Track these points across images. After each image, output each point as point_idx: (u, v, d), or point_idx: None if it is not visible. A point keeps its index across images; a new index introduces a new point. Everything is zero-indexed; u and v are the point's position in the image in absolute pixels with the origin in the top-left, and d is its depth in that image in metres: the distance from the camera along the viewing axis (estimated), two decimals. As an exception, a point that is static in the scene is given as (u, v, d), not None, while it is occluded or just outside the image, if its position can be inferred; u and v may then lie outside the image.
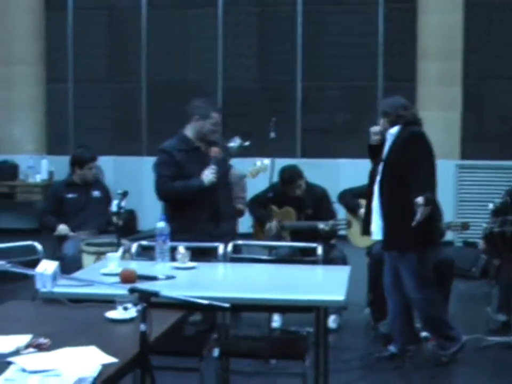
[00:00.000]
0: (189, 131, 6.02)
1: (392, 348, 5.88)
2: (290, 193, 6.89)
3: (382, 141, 5.75)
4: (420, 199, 5.28)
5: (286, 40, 11.68)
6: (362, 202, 6.62)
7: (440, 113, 10.75)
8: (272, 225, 6.86)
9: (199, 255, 5.38)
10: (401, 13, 11.42)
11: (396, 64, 11.44)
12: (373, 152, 5.83)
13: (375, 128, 5.79)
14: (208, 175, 5.79)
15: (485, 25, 11.12)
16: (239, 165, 6.99)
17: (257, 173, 6.81)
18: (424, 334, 6.11)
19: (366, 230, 5.88)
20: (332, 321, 6.60)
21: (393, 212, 5.59)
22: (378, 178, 5.69)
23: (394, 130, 5.66)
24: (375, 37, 11.40)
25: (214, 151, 5.80)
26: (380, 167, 5.69)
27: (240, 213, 7.00)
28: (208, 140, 5.99)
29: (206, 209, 5.88)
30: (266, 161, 6.88)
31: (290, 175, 6.89)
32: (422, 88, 11.01)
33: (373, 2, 11.34)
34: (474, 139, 11.16)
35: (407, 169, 5.50)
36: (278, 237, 6.86)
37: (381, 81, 11.40)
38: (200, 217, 5.87)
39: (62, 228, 6.84)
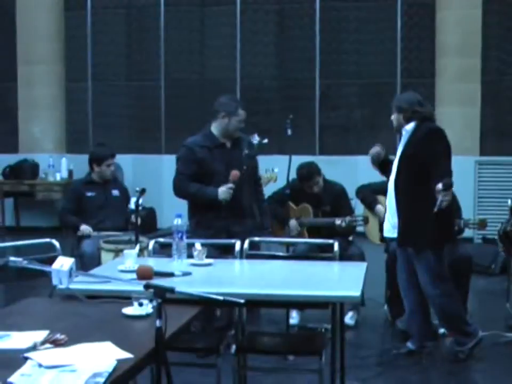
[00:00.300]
0: (215, 128, 6.01)
1: (410, 345, 5.87)
2: (307, 190, 6.89)
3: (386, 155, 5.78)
4: (438, 185, 5.26)
5: (304, 38, 11.69)
6: (380, 198, 6.62)
7: (459, 109, 10.74)
8: (292, 225, 6.86)
9: (217, 252, 5.41)
10: (420, 9, 11.40)
11: (414, 60, 11.43)
12: (381, 167, 5.88)
13: (373, 151, 5.82)
14: (225, 192, 5.79)
15: (504, 21, 11.08)
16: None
17: (268, 181, 6.82)
18: (441, 330, 6.11)
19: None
20: (349, 318, 6.61)
21: (410, 208, 5.58)
22: (393, 175, 5.69)
23: (410, 126, 5.64)
24: (393, 33, 11.39)
25: (234, 174, 5.78)
26: (395, 164, 5.69)
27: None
28: (234, 136, 6.00)
29: (227, 207, 5.88)
30: (276, 169, 6.89)
31: (308, 172, 6.88)
32: (441, 84, 10.99)
33: (391, -2, 11.36)
34: (494, 135, 11.13)
35: (426, 165, 5.48)
36: (298, 236, 6.86)
37: (400, 77, 11.39)
38: (220, 214, 5.88)
39: (85, 228, 6.88)
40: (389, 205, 5.76)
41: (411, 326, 5.92)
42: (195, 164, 5.95)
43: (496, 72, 11.15)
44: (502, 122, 11.23)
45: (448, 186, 5.31)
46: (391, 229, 5.74)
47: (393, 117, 5.73)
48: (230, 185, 5.78)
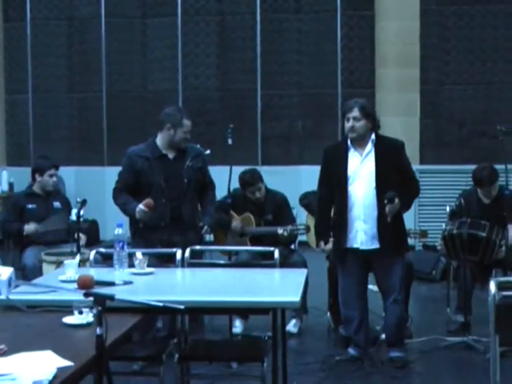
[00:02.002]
0: (160, 139, 5.98)
1: (352, 351, 5.93)
2: (250, 196, 6.90)
3: None
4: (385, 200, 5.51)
5: (245, 49, 11.73)
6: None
7: (399, 119, 10.89)
8: (237, 224, 6.89)
9: (158, 261, 5.41)
10: (360, 20, 11.51)
11: (355, 70, 11.54)
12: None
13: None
14: (141, 212, 5.74)
15: (442, 32, 11.26)
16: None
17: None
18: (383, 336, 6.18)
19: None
20: (292, 326, 6.65)
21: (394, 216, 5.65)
22: (368, 186, 5.68)
23: (373, 135, 5.70)
24: (334, 44, 11.49)
25: (146, 203, 5.73)
26: (364, 176, 5.69)
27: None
28: (180, 147, 5.97)
29: (166, 217, 5.86)
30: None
31: (250, 177, 6.90)
32: (380, 94, 11.15)
33: (331, 9, 11.44)
34: (433, 144, 11.29)
35: (401, 174, 5.67)
36: (243, 235, 6.88)
37: (340, 88, 11.49)
38: (158, 225, 5.85)
39: (29, 227, 6.82)
40: (366, 216, 5.70)
41: (359, 335, 5.94)
42: (133, 173, 5.92)
43: (435, 82, 11.32)
44: (441, 131, 11.40)
45: (391, 199, 5.45)
46: (369, 240, 5.71)
47: (359, 124, 5.62)
48: (144, 208, 5.73)
